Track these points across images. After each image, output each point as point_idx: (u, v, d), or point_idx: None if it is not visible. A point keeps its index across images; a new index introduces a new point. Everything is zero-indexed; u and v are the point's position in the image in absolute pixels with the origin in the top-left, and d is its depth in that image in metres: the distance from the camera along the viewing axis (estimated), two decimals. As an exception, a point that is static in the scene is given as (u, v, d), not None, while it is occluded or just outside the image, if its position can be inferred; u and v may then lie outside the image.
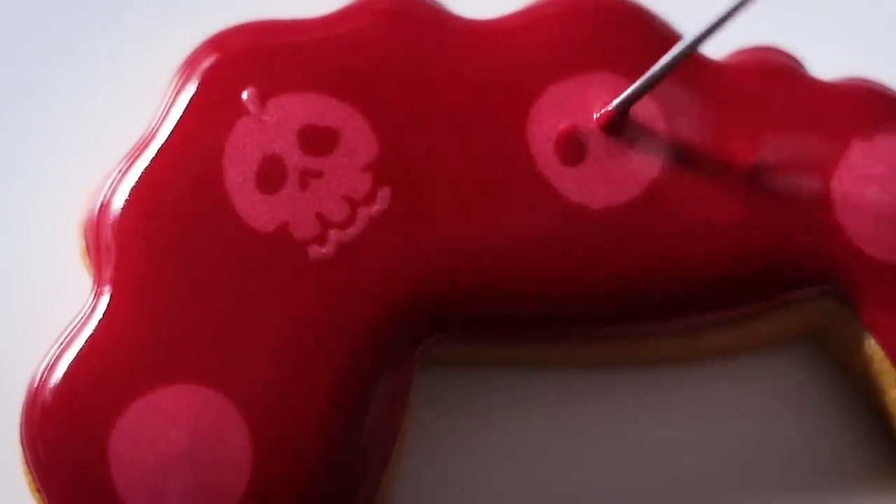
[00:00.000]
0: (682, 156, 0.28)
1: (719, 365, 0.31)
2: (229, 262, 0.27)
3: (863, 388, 0.30)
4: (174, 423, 0.26)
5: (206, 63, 0.28)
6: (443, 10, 0.29)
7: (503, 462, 0.30)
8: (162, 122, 0.28)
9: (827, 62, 0.30)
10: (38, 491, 0.27)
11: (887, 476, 0.30)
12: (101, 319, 0.27)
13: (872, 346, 0.29)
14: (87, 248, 0.28)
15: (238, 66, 0.28)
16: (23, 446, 0.27)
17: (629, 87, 0.28)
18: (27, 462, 0.27)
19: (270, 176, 0.28)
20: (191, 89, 0.28)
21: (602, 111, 0.28)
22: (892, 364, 0.29)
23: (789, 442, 0.30)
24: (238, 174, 0.28)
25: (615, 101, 0.28)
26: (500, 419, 0.30)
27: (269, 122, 0.28)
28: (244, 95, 0.28)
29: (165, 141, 0.28)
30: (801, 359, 0.31)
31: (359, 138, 0.28)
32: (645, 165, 0.28)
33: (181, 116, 0.28)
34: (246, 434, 0.26)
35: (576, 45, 0.29)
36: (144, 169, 0.28)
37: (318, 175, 0.28)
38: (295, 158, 0.28)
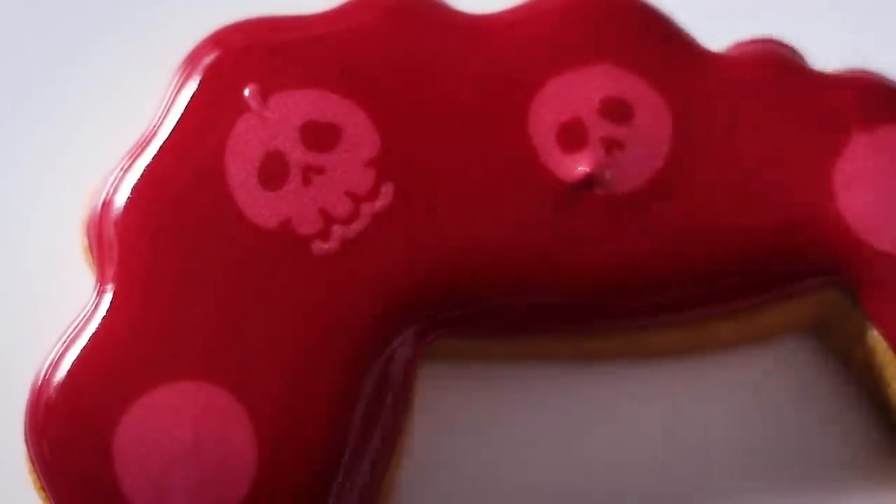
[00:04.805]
0: (685, 147, 0.28)
1: (722, 357, 0.31)
2: (232, 258, 0.27)
3: (865, 380, 0.30)
4: (178, 419, 0.26)
5: (208, 60, 0.28)
6: (443, 5, 0.29)
7: (507, 456, 0.30)
8: (163, 119, 0.28)
9: (828, 54, 0.30)
10: (43, 489, 0.27)
11: (889, 469, 0.30)
12: (104, 317, 0.27)
13: (875, 337, 0.29)
14: (90, 245, 0.28)
15: (239, 62, 0.28)
16: (27, 444, 0.27)
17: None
18: (31, 460, 0.27)
19: (273, 172, 0.28)
20: (192, 86, 0.28)
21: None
22: (895, 356, 0.29)
23: (791, 434, 0.30)
24: (240, 171, 0.28)
25: None
26: (504, 414, 0.30)
27: (271, 119, 0.28)
28: (246, 92, 0.28)
29: (167, 138, 0.28)
30: (804, 351, 0.31)
31: (361, 134, 0.28)
32: (648, 156, 0.28)
33: (183, 114, 0.28)
34: (250, 430, 0.26)
35: (576, 37, 0.29)
36: (146, 166, 0.28)
37: (321, 171, 0.28)
38: (297, 154, 0.28)
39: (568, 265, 0.28)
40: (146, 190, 0.28)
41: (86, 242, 0.29)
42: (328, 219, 0.27)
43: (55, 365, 0.27)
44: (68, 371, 0.27)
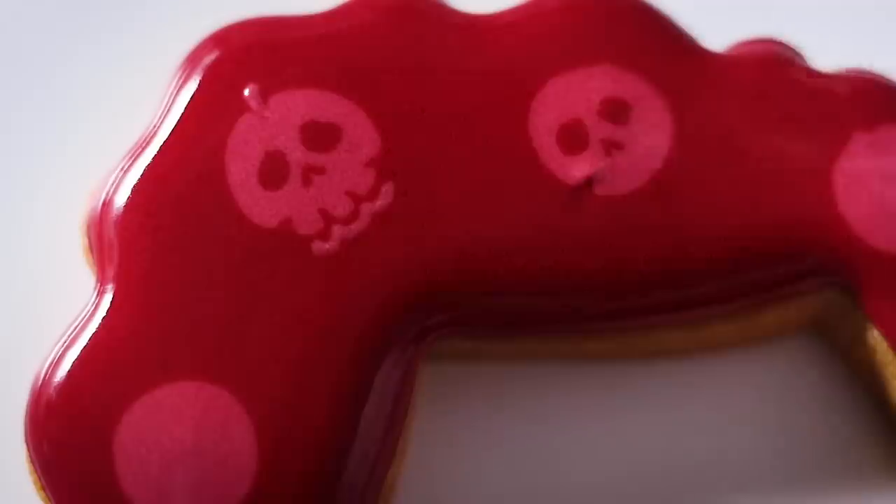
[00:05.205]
0: (685, 147, 0.28)
1: (723, 357, 0.31)
2: (232, 258, 0.27)
3: (866, 380, 0.30)
4: (179, 419, 0.26)
5: (208, 59, 0.28)
6: (443, 5, 0.29)
7: (508, 456, 0.30)
8: (164, 119, 0.28)
9: (828, 54, 0.30)
10: (43, 489, 0.27)
11: (889, 468, 0.30)
12: (104, 317, 0.27)
13: (876, 337, 0.29)
14: (90, 245, 0.28)
15: (240, 62, 0.28)
16: (27, 445, 0.27)
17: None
18: (32, 461, 0.27)
19: (273, 172, 0.28)
20: (192, 86, 0.28)
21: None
22: (895, 355, 0.29)
23: (791, 433, 0.30)
24: (240, 170, 0.28)
25: None
26: (505, 413, 0.30)
27: (271, 119, 0.28)
28: (246, 92, 0.28)
29: (167, 138, 0.28)
30: (804, 350, 0.31)
31: (361, 134, 0.28)
32: (648, 157, 0.28)
33: (183, 113, 0.28)
34: (251, 430, 0.26)
35: (576, 37, 0.29)
36: (146, 166, 0.28)
37: (321, 171, 0.28)
38: (297, 154, 0.28)
39: (568, 266, 0.28)
40: (146, 190, 0.28)
41: (86, 242, 0.29)
42: (328, 219, 0.27)
43: (55, 365, 0.27)
44: (68, 371, 0.27)
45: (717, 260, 0.28)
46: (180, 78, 0.29)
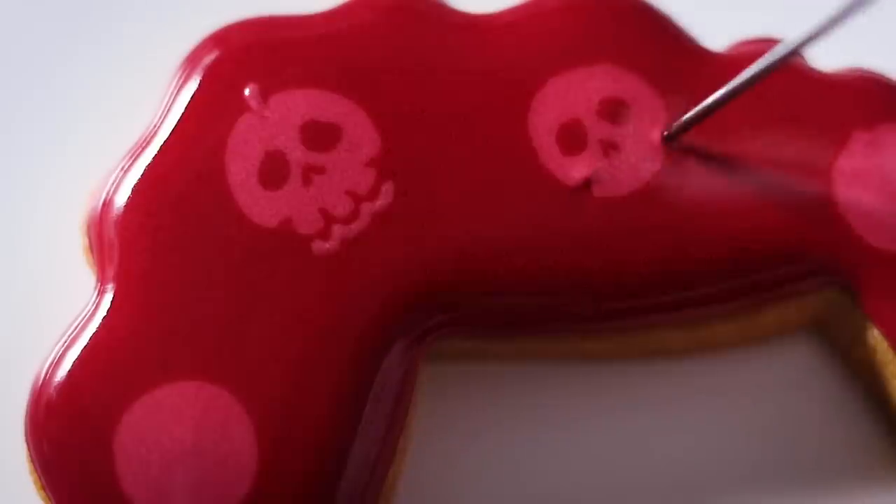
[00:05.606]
0: (685, 148, 0.28)
1: (723, 357, 0.31)
2: (233, 257, 0.27)
3: (865, 379, 0.30)
4: (179, 419, 0.26)
5: (208, 59, 0.28)
6: (443, 5, 0.29)
7: (508, 456, 0.30)
8: (164, 119, 0.28)
9: (828, 54, 0.30)
10: (44, 489, 0.27)
11: (889, 468, 0.30)
12: (104, 317, 0.27)
13: (875, 336, 0.29)
14: (90, 245, 0.28)
15: (240, 62, 0.28)
16: (28, 445, 0.27)
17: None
18: (32, 461, 0.27)
19: (273, 172, 0.28)
20: (193, 86, 0.28)
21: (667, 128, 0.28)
22: (895, 354, 0.29)
23: (791, 433, 0.30)
24: (240, 170, 0.28)
25: (682, 120, 0.28)
26: (505, 413, 0.30)
27: (272, 119, 0.28)
28: (246, 92, 0.28)
29: (167, 138, 0.28)
30: (804, 350, 0.31)
31: (361, 133, 0.28)
32: (647, 158, 0.28)
33: (183, 113, 0.28)
34: (251, 430, 0.26)
35: (576, 37, 0.29)
36: (147, 166, 0.28)
37: (321, 171, 0.28)
38: (298, 154, 0.28)
39: (568, 266, 0.28)
40: (146, 190, 0.28)
41: (86, 242, 0.29)
42: (328, 218, 0.27)
43: (56, 365, 0.27)
44: (68, 371, 0.27)
45: (717, 261, 0.28)
46: (180, 78, 0.29)
